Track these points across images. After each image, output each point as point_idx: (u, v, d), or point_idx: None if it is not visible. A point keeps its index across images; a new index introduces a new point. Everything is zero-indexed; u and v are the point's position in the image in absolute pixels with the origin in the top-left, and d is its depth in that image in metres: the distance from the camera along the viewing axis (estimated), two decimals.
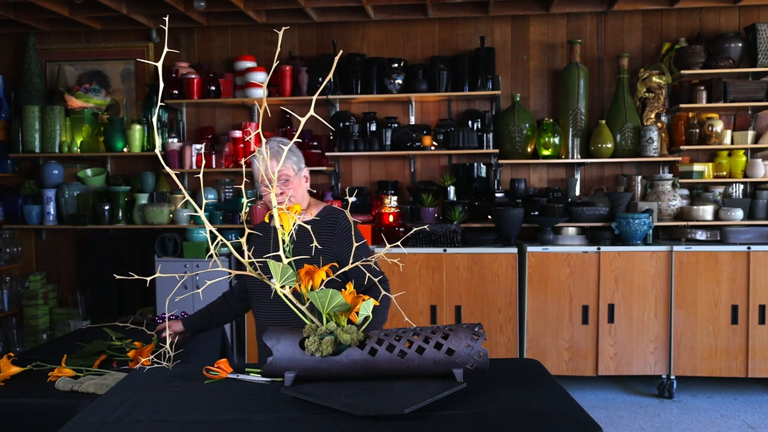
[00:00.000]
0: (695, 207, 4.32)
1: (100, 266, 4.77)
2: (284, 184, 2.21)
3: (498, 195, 4.54)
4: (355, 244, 1.97)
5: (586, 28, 4.78)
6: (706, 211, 4.29)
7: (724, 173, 4.51)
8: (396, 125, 4.62)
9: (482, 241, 4.29)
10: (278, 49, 1.55)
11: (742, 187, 4.59)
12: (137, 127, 4.73)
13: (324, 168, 4.63)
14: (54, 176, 4.83)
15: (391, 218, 4.40)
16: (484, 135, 4.56)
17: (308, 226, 1.67)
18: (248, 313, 4.32)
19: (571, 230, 4.36)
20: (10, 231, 4.90)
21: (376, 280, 1.75)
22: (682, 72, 4.35)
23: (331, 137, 4.68)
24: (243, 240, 1.58)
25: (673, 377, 4.09)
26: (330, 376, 1.54)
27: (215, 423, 1.41)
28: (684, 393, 4.18)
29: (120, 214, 4.68)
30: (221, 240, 1.55)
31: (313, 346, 1.51)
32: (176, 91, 4.73)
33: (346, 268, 1.67)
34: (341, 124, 4.59)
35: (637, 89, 4.54)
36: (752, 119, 4.62)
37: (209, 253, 1.59)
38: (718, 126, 4.42)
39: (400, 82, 4.56)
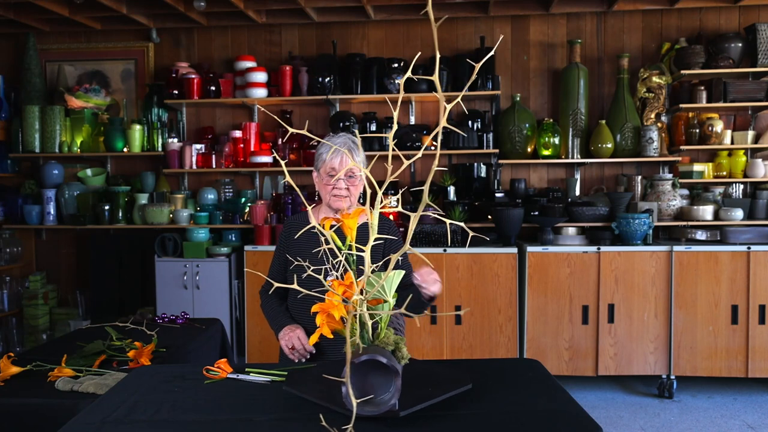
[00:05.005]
0: (695, 207, 4.32)
1: (100, 266, 4.78)
2: (349, 181, 2.12)
3: (498, 195, 4.54)
4: (401, 251, 1.96)
5: (586, 28, 4.78)
6: (706, 211, 4.29)
7: (724, 173, 4.51)
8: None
9: (482, 241, 4.29)
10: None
11: (742, 187, 4.59)
12: (137, 127, 4.73)
13: None
14: (54, 176, 4.83)
15: (391, 218, 4.39)
16: (484, 135, 4.56)
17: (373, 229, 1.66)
18: (248, 313, 4.34)
19: (571, 230, 4.36)
20: (10, 231, 4.90)
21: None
22: (682, 72, 4.35)
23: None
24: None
25: (673, 377, 4.09)
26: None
27: (215, 423, 1.41)
28: (684, 393, 4.18)
29: (120, 214, 4.68)
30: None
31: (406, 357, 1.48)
32: (176, 91, 4.72)
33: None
34: (341, 124, 4.58)
35: (637, 89, 4.54)
36: (752, 119, 4.61)
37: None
38: (718, 126, 4.42)
39: (400, 82, 4.55)
